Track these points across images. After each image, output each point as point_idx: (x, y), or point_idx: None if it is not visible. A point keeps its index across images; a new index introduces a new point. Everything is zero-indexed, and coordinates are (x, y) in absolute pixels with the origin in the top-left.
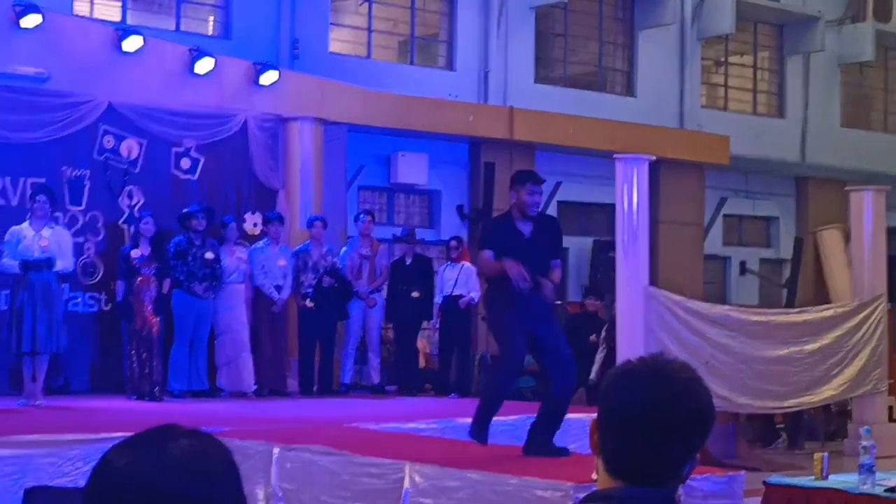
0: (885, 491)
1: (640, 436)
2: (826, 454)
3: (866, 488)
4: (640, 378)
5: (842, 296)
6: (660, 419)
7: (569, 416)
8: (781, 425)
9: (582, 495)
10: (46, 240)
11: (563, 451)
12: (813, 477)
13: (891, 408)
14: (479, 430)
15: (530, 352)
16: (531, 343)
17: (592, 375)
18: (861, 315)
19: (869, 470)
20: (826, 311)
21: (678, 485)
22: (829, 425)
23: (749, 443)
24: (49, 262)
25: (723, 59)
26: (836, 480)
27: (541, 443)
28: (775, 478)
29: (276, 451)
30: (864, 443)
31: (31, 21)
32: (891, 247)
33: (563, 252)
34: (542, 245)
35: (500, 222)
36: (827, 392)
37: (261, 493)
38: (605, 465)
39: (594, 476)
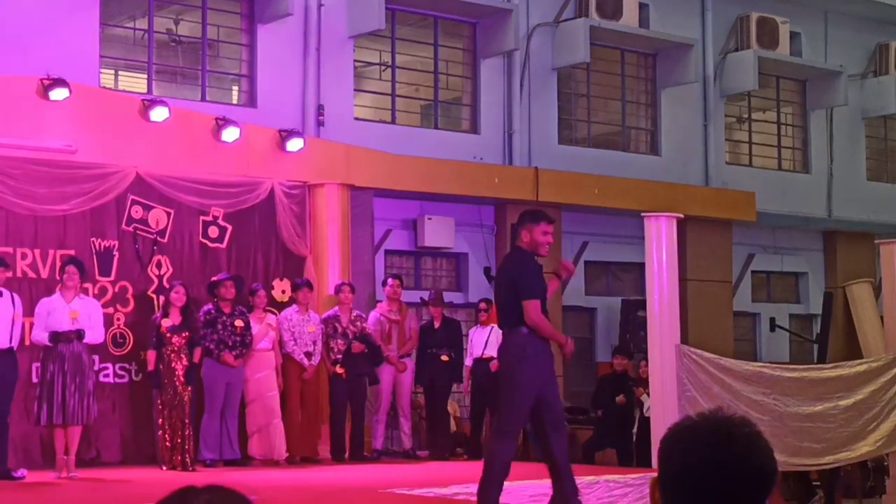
0: None
1: (703, 495)
2: None
3: None
4: (700, 435)
5: (874, 350)
6: (722, 477)
7: (608, 476)
8: (818, 482)
9: None
10: (76, 311)
11: None
12: None
13: None
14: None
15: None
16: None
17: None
18: (895, 369)
19: None
20: (860, 366)
21: None
22: (865, 482)
23: (786, 501)
24: (79, 334)
25: (746, 116)
26: None
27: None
28: None
29: None
30: None
31: (59, 94)
32: None
33: None
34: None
35: (533, 264)
36: (863, 448)
37: None
38: None
39: None
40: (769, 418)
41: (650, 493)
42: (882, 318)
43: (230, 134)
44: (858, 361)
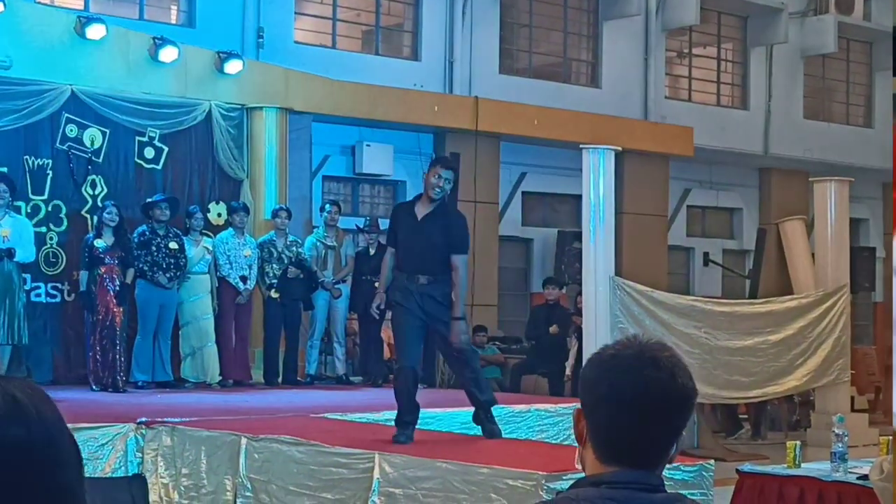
0: (858, 478)
1: (634, 418)
2: (799, 443)
3: (839, 476)
4: (626, 362)
5: (805, 287)
6: (652, 399)
7: (539, 405)
8: (745, 415)
9: (553, 484)
10: (6, 229)
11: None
12: (785, 465)
13: (853, 398)
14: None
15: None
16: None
17: (568, 370)
18: (824, 306)
19: (841, 458)
20: (790, 302)
21: (666, 465)
22: (792, 415)
23: (713, 433)
24: (9, 252)
25: (686, 51)
26: (809, 468)
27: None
28: (748, 466)
29: (243, 441)
30: (837, 430)
31: None
32: (853, 238)
33: (467, 250)
34: (434, 233)
35: (402, 206)
36: (790, 382)
37: (229, 484)
38: (596, 452)
39: (578, 465)
40: (700, 351)
41: (574, 423)
42: (813, 255)
43: (168, 54)
44: (789, 297)
